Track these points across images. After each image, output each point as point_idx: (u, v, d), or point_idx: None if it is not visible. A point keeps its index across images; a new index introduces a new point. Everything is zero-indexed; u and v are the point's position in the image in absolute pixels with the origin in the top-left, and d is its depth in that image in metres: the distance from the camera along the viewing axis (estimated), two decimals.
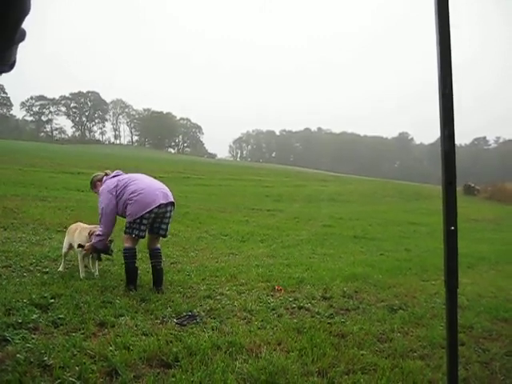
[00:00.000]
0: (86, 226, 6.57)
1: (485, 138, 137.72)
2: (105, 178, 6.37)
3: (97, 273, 6.39)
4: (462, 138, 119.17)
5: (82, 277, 6.10)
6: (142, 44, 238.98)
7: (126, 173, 6.53)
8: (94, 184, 6.55)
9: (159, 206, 5.98)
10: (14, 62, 1.43)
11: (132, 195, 5.99)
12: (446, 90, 2.28)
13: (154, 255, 6.19)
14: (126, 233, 6.05)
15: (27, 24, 1.26)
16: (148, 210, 5.93)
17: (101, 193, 6.15)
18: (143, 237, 6.09)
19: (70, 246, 6.54)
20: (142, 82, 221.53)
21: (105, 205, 6.01)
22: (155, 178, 6.42)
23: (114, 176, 6.32)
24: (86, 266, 6.41)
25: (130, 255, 6.00)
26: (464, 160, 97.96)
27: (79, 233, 6.41)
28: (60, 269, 6.45)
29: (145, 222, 5.96)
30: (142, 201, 5.96)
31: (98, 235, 6.05)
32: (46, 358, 3.47)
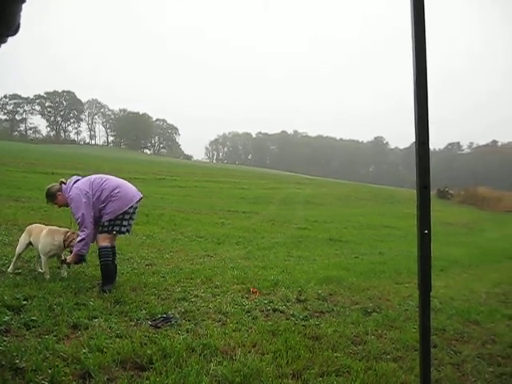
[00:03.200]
0: (49, 227, 6.34)
1: (459, 143, 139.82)
2: (65, 186, 6.18)
3: (65, 274, 6.19)
4: (436, 143, 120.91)
5: (47, 278, 5.91)
6: (122, 43, 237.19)
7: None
8: (55, 195, 6.24)
9: (138, 201, 6.22)
10: (19, 25, 1.41)
11: (115, 191, 6.05)
12: (421, 97, 2.31)
13: (113, 253, 6.19)
14: (103, 232, 6.04)
15: None
16: (131, 204, 6.09)
17: (73, 199, 5.97)
18: (127, 232, 6.26)
19: (27, 247, 6.33)
20: (119, 82, 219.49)
21: (84, 209, 5.89)
22: (130, 179, 6.45)
23: (76, 181, 6.21)
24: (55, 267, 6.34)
25: (108, 254, 6.02)
26: (438, 165, 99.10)
27: (49, 237, 6.11)
28: (10, 269, 6.13)
29: (127, 217, 6.10)
30: (126, 196, 6.09)
31: (82, 239, 5.92)
32: (17, 361, 3.42)
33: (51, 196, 6.27)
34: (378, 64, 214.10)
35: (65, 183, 6.23)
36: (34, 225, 6.53)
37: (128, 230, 6.25)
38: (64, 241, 6.05)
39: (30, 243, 6.28)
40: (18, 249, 6.28)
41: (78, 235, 5.97)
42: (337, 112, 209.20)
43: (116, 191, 6.04)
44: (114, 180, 6.29)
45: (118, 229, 6.07)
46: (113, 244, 6.19)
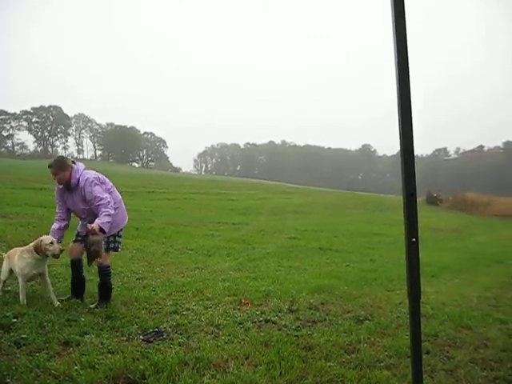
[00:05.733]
0: (22, 248, 5.81)
1: (445, 148, 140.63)
2: (76, 167, 5.76)
3: (56, 303, 5.61)
4: (422, 149, 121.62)
5: (22, 303, 5.45)
6: (108, 55, 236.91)
7: None
8: (65, 167, 5.68)
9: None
10: None
11: (116, 205, 5.89)
12: (405, 105, 2.34)
13: (106, 273, 5.91)
14: (105, 250, 5.74)
15: None
16: (123, 224, 6.06)
17: (93, 182, 5.63)
18: (119, 249, 6.14)
19: (11, 273, 5.89)
20: (106, 96, 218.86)
21: (106, 192, 5.70)
22: (119, 192, 6.29)
23: (84, 168, 5.86)
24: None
25: (110, 273, 5.96)
26: (425, 171, 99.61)
27: (20, 258, 5.62)
28: None
29: (121, 233, 6.03)
30: (122, 213, 6.05)
31: (108, 215, 5.53)
32: (8, 380, 3.41)
33: (61, 166, 5.68)
34: (364, 75, 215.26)
35: (75, 163, 5.84)
36: (12, 249, 6.08)
37: (120, 247, 6.13)
38: (35, 249, 5.53)
39: (11, 270, 5.87)
40: (2, 276, 5.96)
41: (48, 240, 5.56)
42: (324, 120, 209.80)
43: (117, 205, 5.89)
44: (115, 191, 6.10)
45: (113, 245, 5.93)
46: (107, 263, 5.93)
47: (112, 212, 5.56)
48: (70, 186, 5.73)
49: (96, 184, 5.65)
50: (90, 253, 5.53)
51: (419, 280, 2.38)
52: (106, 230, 5.47)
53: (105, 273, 5.83)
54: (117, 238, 5.93)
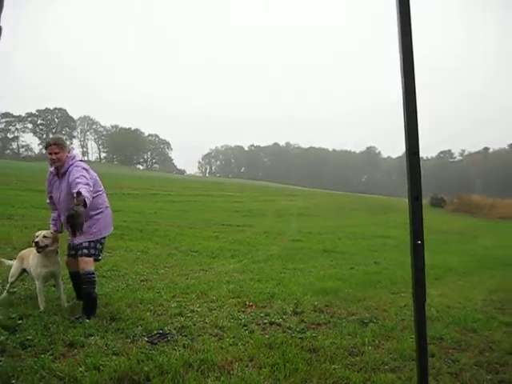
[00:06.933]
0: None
1: (450, 150, 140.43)
2: (72, 153, 5.57)
3: (65, 304, 5.66)
4: (427, 151, 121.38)
5: (42, 308, 5.39)
6: (117, 52, 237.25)
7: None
8: (65, 145, 5.55)
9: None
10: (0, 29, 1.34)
11: (101, 205, 5.67)
12: (411, 107, 2.33)
13: (90, 280, 5.50)
14: (87, 255, 5.45)
15: None
16: (108, 233, 5.78)
17: (87, 170, 5.41)
18: (101, 259, 5.83)
19: (20, 274, 5.96)
20: (107, 96, 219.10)
21: (89, 183, 5.24)
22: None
23: (81, 160, 5.59)
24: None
25: (95, 281, 5.55)
26: (430, 173, 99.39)
27: (35, 257, 5.57)
28: (3, 295, 5.88)
29: (103, 241, 5.71)
30: (106, 220, 5.73)
31: (88, 193, 5.04)
32: (14, 381, 3.42)
33: (63, 144, 5.53)
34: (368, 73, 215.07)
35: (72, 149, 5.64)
36: (25, 250, 6.07)
37: (101, 256, 5.78)
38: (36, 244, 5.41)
39: (23, 270, 5.90)
40: (11, 277, 5.93)
41: (37, 233, 5.48)
42: (329, 120, 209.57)
43: (102, 206, 5.68)
44: (104, 193, 5.82)
45: (95, 252, 5.54)
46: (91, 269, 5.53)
47: (90, 196, 5.03)
48: (60, 171, 5.49)
49: (84, 169, 5.37)
50: (74, 225, 4.97)
51: (424, 282, 2.38)
52: (88, 202, 4.91)
53: (88, 280, 5.43)
54: (97, 245, 5.56)
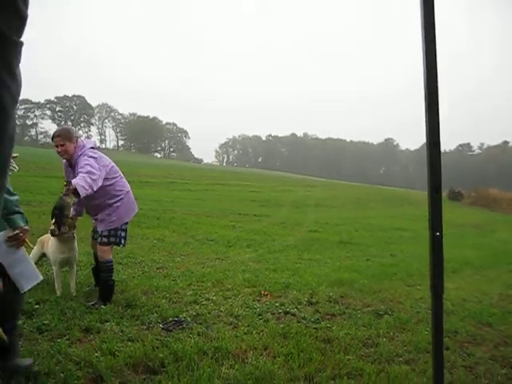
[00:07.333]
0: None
1: (469, 144, 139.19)
2: (81, 143, 5.43)
3: (74, 292, 5.66)
4: (446, 144, 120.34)
5: (59, 294, 5.50)
6: (131, 43, 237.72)
7: None
8: (71, 136, 5.38)
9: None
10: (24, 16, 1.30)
11: (120, 192, 5.60)
12: (433, 100, 2.31)
13: (107, 269, 5.57)
14: (106, 243, 5.51)
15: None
16: (131, 217, 5.75)
17: (97, 159, 5.29)
18: (124, 243, 5.74)
19: (40, 259, 6.06)
20: (128, 83, 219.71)
21: (100, 174, 5.19)
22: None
23: (92, 147, 5.48)
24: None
25: (113, 269, 5.62)
26: (448, 166, 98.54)
27: (53, 243, 5.64)
28: None
29: (124, 227, 5.64)
30: (127, 207, 5.67)
31: (87, 182, 4.96)
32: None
33: (68, 135, 5.38)
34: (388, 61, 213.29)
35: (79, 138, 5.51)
36: (45, 235, 6.09)
37: (124, 242, 5.71)
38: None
39: (43, 255, 6.00)
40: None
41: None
42: (346, 110, 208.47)
43: (123, 192, 5.63)
44: (125, 180, 5.81)
45: (114, 240, 5.55)
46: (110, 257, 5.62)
47: (88, 185, 4.95)
48: (72, 162, 5.41)
49: (91, 157, 5.24)
50: (58, 217, 5.08)
51: (442, 274, 2.36)
52: (81, 193, 4.89)
53: (105, 268, 5.51)
54: (119, 233, 5.55)
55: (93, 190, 5.01)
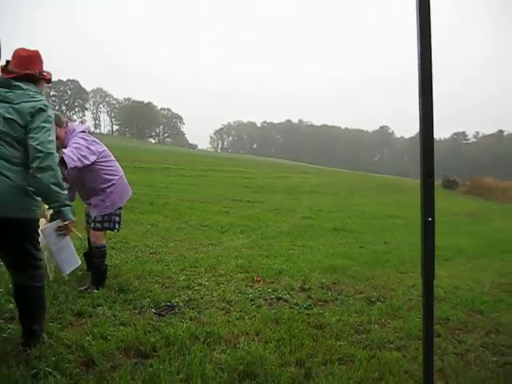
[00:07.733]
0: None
1: (464, 132, 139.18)
2: (71, 127, 5.24)
3: (52, 275, 5.49)
4: (441, 132, 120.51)
5: (51, 278, 5.39)
6: (127, 29, 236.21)
7: None
8: (60, 121, 4.99)
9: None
10: None
11: (113, 177, 5.49)
12: (426, 86, 2.29)
13: (100, 253, 5.53)
14: (99, 229, 5.45)
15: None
16: (124, 201, 5.67)
17: (76, 139, 5.08)
18: (119, 228, 5.69)
19: None
20: (121, 70, 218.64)
21: (89, 156, 5.04)
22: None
23: (83, 131, 5.27)
24: None
25: (105, 254, 5.59)
26: (443, 155, 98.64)
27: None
28: None
29: (118, 212, 5.56)
30: (121, 191, 5.58)
31: (75, 155, 4.85)
32: (21, 348, 3.44)
33: (57, 121, 4.58)
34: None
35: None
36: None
37: (118, 227, 5.65)
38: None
39: None
40: None
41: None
42: (342, 97, 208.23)
43: (116, 176, 5.51)
44: (118, 165, 5.67)
45: (108, 225, 5.49)
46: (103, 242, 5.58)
47: (76, 157, 4.82)
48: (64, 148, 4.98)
49: (81, 138, 5.09)
50: None
51: (434, 260, 2.35)
52: (68, 163, 4.70)
53: (99, 254, 5.47)
54: (113, 218, 5.48)
55: (82, 163, 4.90)
